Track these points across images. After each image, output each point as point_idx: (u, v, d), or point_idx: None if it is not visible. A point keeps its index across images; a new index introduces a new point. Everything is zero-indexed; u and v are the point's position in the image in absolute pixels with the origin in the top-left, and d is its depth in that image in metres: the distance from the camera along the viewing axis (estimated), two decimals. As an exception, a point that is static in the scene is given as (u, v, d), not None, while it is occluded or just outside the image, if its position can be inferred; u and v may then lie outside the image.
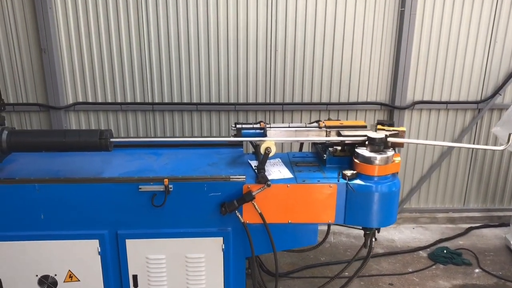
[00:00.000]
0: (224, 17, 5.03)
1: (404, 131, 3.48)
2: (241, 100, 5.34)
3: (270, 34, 5.12)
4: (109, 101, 5.26)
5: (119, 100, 5.26)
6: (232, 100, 5.33)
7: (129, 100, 5.26)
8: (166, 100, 5.28)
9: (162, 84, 5.22)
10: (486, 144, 5.68)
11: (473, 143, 5.68)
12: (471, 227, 5.76)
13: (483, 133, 5.64)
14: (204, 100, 5.31)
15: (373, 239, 3.86)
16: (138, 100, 5.27)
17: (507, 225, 5.49)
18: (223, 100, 5.32)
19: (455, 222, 5.90)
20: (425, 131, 5.57)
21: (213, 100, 5.32)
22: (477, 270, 4.89)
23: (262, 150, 3.34)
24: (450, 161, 5.74)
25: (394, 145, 3.43)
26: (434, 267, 4.95)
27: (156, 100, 5.28)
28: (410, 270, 4.89)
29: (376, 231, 3.83)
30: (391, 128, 3.55)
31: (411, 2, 5.00)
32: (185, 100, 5.29)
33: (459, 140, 5.61)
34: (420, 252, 5.24)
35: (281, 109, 5.39)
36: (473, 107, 5.51)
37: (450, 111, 5.52)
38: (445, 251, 5.14)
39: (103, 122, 5.33)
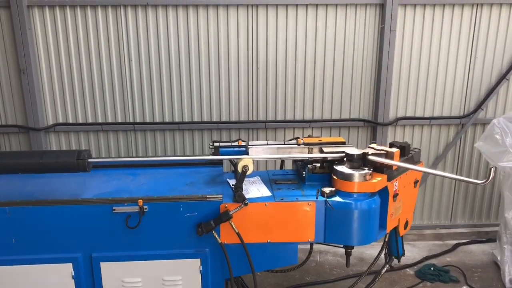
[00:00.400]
0: (205, 35, 5.03)
1: (394, 152, 3.38)
2: (224, 119, 5.30)
3: (251, 52, 5.12)
4: (90, 121, 5.20)
5: (100, 120, 5.20)
6: (214, 119, 5.29)
7: (110, 120, 5.21)
8: (147, 120, 5.23)
9: (143, 104, 5.18)
10: (471, 158, 5.67)
11: (458, 158, 5.67)
12: (458, 243, 5.70)
13: (467, 148, 5.63)
14: (186, 119, 5.26)
15: (387, 266, 3.84)
16: (119, 120, 5.22)
17: (494, 240, 5.43)
18: (205, 119, 5.29)
19: (442, 239, 5.84)
20: (409, 147, 5.54)
21: (196, 119, 5.27)
22: (464, 287, 4.82)
23: (239, 168, 3.29)
24: (436, 177, 5.71)
25: (383, 166, 3.35)
26: (421, 285, 4.87)
27: (138, 120, 5.23)
28: (397, 288, 4.81)
29: (395, 259, 3.81)
30: (379, 147, 3.50)
31: (391, 19, 5.03)
32: (167, 119, 5.25)
33: (443, 155, 5.60)
34: (407, 269, 5.17)
35: (264, 127, 5.36)
36: (456, 122, 5.51)
37: (434, 126, 5.52)
38: (432, 268, 5.07)
39: (84, 143, 5.26)
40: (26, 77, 4.94)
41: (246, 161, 3.29)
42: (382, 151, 3.40)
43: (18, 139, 5.21)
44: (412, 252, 5.56)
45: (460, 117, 5.49)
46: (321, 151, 3.46)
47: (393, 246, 3.82)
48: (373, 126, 5.45)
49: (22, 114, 5.11)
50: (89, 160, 3.28)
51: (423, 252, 5.52)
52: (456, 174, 5.72)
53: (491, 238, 5.70)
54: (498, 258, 5.05)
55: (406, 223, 3.79)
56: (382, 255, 3.92)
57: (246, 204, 3.12)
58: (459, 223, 5.93)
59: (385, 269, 3.84)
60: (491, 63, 5.36)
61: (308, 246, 3.86)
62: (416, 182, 3.77)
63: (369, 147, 3.50)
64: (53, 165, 3.22)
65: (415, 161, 3.72)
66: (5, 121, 5.16)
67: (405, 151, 3.58)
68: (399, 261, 3.91)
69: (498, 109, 5.51)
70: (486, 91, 5.44)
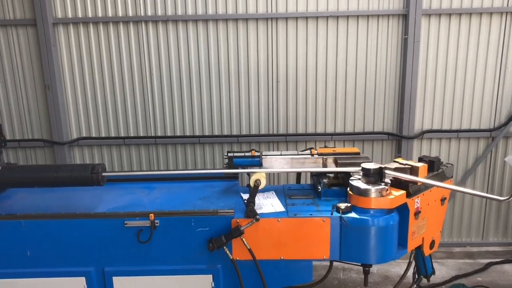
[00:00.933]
0: (225, 49, 5.03)
1: (419, 167, 3.23)
2: (244, 132, 5.27)
3: (271, 65, 5.08)
4: (112, 135, 5.28)
5: (122, 134, 5.27)
6: (234, 132, 5.27)
7: (132, 134, 5.27)
8: (168, 133, 5.26)
9: (164, 118, 5.22)
10: (503, 173, 5.41)
11: (489, 173, 5.42)
12: (490, 262, 5.41)
13: (498, 162, 5.38)
14: (206, 133, 5.26)
15: (415, 286, 3.69)
16: (141, 134, 5.27)
17: (529, 260, 5.15)
18: (225, 133, 5.27)
19: (473, 257, 5.57)
20: (436, 161, 5.34)
21: (216, 133, 5.27)
22: (496, 309, 4.57)
23: (251, 183, 3.22)
24: (465, 192, 5.48)
25: (404, 181, 3.22)
26: (449, 305, 4.65)
27: (159, 134, 5.26)
28: (423, 309, 4.60)
29: (424, 278, 3.65)
30: (404, 162, 3.37)
31: (414, 29, 4.90)
32: (187, 133, 5.26)
33: (473, 169, 5.36)
34: (435, 289, 4.94)
35: (284, 140, 5.29)
36: (486, 135, 5.28)
37: (462, 139, 5.31)
38: (461, 288, 4.83)
39: (107, 157, 5.34)
40: (51, 93, 5.06)
41: (258, 175, 3.23)
42: (406, 166, 3.26)
43: (44, 153, 5.33)
44: (441, 271, 5.32)
45: (490, 130, 5.26)
46: (336, 162, 3.36)
47: (421, 265, 3.65)
48: (398, 139, 5.29)
49: (47, 129, 5.23)
50: (103, 174, 3.29)
51: (452, 271, 5.27)
52: (487, 190, 5.48)
53: (526, 257, 5.40)
54: (533, 279, 4.77)
55: (433, 243, 3.60)
56: (410, 274, 3.74)
57: (257, 220, 3.04)
58: (492, 241, 5.65)
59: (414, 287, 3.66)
60: (523, 73, 5.13)
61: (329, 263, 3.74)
62: (443, 200, 3.58)
63: (394, 161, 3.37)
64: (67, 179, 3.26)
65: (447, 177, 3.55)
66: (32, 135, 5.29)
67: (434, 166, 3.42)
68: (428, 280, 3.74)
69: (531, 121, 5.26)
70: (518, 102, 5.21)
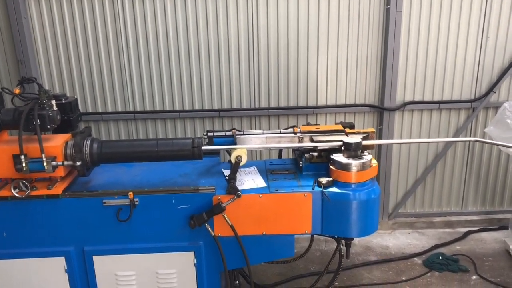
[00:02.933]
0: (204, 21, 4.88)
1: (373, 132, 3.31)
2: (225, 106, 5.18)
3: (252, 37, 4.96)
4: (90, 111, 5.14)
5: (99, 110, 5.14)
6: (216, 107, 5.18)
7: (110, 109, 5.14)
8: (148, 108, 5.14)
9: (143, 92, 5.09)
10: (483, 144, 5.45)
11: (469, 144, 5.46)
12: (469, 231, 5.53)
13: (478, 133, 5.42)
14: (187, 107, 5.16)
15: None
16: (119, 109, 5.14)
17: (506, 228, 5.26)
18: (206, 107, 5.18)
19: (453, 226, 5.67)
20: (418, 132, 5.37)
21: (196, 107, 5.17)
22: (474, 277, 4.67)
23: (232, 159, 3.18)
24: (446, 163, 5.52)
25: (366, 148, 3.26)
26: (429, 274, 4.74)
27: (138, 109, 5.14)
28: (403, 278, 4.68)
29: None
30: (361, 130, 3.39)
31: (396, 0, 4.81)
32: (167, 108, 5.15)
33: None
34: (415, 259, 5.03)
35: (266, 114, 5.22)
36: (467, 106, 5.29)
37: (443, 110, 5.31)
38: (440, 258, 4.92)
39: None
40: (25, 68, 4.88)
41: (239, 152, 3.18)
42: (364, 133, 3.29)
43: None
44: (421, 240, 5.42)
45: (471, 101, 5.27)
46: (312, 141, 3.33)
47: None
48: (379, 111, 5.27)
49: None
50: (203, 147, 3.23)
51: (432, 241, 5.37)
52: (467, 161, 5.53)
53: (504, 226, 5.50)
54: (510, 247, 4.88)
55: None
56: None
57: (238, 196, 3.02)
58: (471, 210, 5.74)
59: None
60: (503, 43, 5.10)
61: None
62: None
63: (349, 133, 3.37)
64: (169, 153, 3.18)
65: None
66: (6, 112, 5.12)
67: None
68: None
69: (511, 91, 5.28)
70: (498, 73, 5.20)
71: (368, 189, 3.10)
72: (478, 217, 5.70)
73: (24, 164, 2.91)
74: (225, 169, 3.50)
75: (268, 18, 4.90)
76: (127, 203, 3.08)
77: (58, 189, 3.05)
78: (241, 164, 3.17)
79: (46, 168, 2.92)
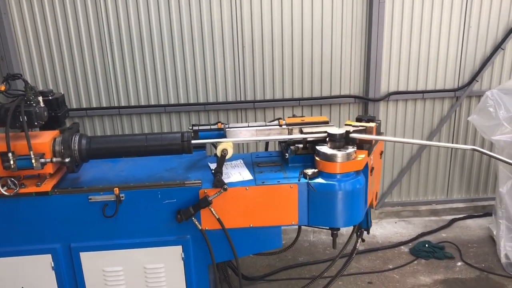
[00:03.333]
0: (187, 14, 4.86)
1: (372, 127, 3.32)
2: (211, 100, 5.17)
3: (236, 30, 4.95)
4: (74, 107, 5.09)
5: (84, 106, 5.09)
6: (201, 100, 5.17)
7: (94, 105, 5.10)
8: (132, 103, 5.11)
9: (127, 87, 5.05)
10: (467, 132, 5.53)
11: (453, 132, 5.53)
12: (454, 218, 5.61)
13: (462, 121, 5.49)
14: (172, 102, 5.14)
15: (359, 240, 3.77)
16: (104, 105, 5.10)
17: (490, 214, 5.34)
18: (192, 101, 5.16)
19: (438, 214, 5.75)
20: (403, 122, 5.42)
21: (182, 101, 5.15)
22: (459, 264, 4.75)
23: (218, 153, 3.18)
24: (431, 152, 5.59)
25: (362, 142, 3.27)
26: (415, 262, 4.81)
27: (123, 104, 5.11)
28: (390, 266, 4.74)
29: (365, 231, 3.74)
30: (358, 124, 3.41)
31: (380, -11, 4.83)
32: (152, 102, 5.13)
33: (438, 129, 5.46)
34: (402, 247, 5.10)
35: (252, 107, 5.23)
36: (450, 95, 5.35)
37: (427, 100, 5.37)
38: (427, 245, 4.99)
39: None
40: (6, 64, 4.81)
41: (225, 145, 3.18)
42: (361, 127, 3.30)
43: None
44: (407, 229, 5.49)
45: (454, 90, 5.33)
46: (301, 132, 3.35)
47: (364, 219, 3.72)
48: (364, 102, 5.30)
49: (4, 102, 5.00)
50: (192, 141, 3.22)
51: (418, 229, 5.44)
52: (452, 150, 5.60)
53: (488, 212, 5.60)
54: (494, 233, 4.97)
55: (377, 195, 3.77)
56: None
57: (225, 189, 3.02)
58: (456, 198, 5.83)
59: (359, 242, 3.74)
60: (485, 33, 5.16)
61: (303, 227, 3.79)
62: (381, 153, 3.70)
63: (346, 125, 3.39)
64: (158, 148, 3.17)
65: (381, 133, 3.73)
66: (-12, 110, 5.05)
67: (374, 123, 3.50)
68: (368, 233, 3.82)
69: (494, 80, 5.34)
70: (481, 62, 5.26)
71: (353, 179, 3.12)
72: (463, 204, 5.79)
73: (12, 162, 2.87)
74: (211, 163, 3.50)
75: (251, 10, 4.89)
76: (112, 199, 3.06)
77: (47, 186, 3.03)
78: (227, 157, 3.17)
79: (34, 165, 2.89)
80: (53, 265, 3.17)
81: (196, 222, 3.10)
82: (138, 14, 4.82)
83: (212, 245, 3.16)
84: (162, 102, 5.14)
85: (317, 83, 5.20)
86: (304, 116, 3.69)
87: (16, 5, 4.73)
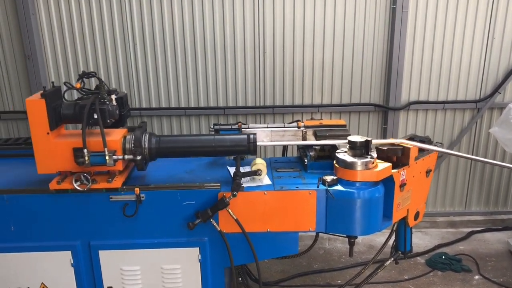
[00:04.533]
0: (210, 19, 4.91)
1: (410, 148, 3.27)
2: (230, 104, 5.21)
3: (257, 36, 4.98)
4: (96, 107, 5.16)
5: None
6: (221, 104, 5.21)
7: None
8: (153, 105, 5.18)
9: (149, 89, 5.12)
10: (487, 144, 5.48)
11: (473, 144, 5.48)
12: (472, 231, 5.54)
13: (483, 133, 5.43)
14: (192, 105, 5.19)
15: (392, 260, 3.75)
16: (125, 106, 5.17)
17: (510, 229, 5.27)
18: (212, 104, 5.20)
19: (456, 226, 5.68)
20: (422, 132, 5.38)
21: (202, 105, 5.20)
22: (476, 277, 4.69)
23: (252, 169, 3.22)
24: (450, 162, 5.53)
25: (401, 160, 3.28)
26: (431, 274, 4.76)
27: (144, 105, 5.18)
28: (406, 277, 4.70)
29: (401, 254, 3.71)
30: (398, 141, 3.37)
31: (403, -1, 4.83)
32: (173, 105, 5.18)
33: (458, 140, 5.41)
34: (418, 258, 5.05)
35: (271, 112, 5.25)
36: (471, 106, 5.30)
37: (448, 111, 5.32)
38: (443, 257, 4.94)
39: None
40: (32, 63, 4.92)
41: (260, 166, 3.20)
42: (398, 147, 3.27)
43: (26, 125, 5.21)
44: (424, 240, 5.43)
45: (476, 101, 5.28)
46: (315, 135, 3.37)
47: (401, 240, 3.70)
48: (384, 110, 5.28)
49: (29, 100, 5.10)
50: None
51: (435, 240, 5.38)
52: (472, 161, 5.53)
53: (507, 226, 5.53)
54: (513, 247, 4.90)
55: (417, 214, 3.65)
56: (390, 243, 3.80)
57: (234, 195, 3.02)
58: (474, 210, 5.76)
59: (389, 261, 3.71)
60: (509, 44, 5.11)
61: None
62: (428, 172, 3.61)
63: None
64: (225, 149, 3.23)
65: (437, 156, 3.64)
66: (13, 107, 5.17)
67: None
68: (404, 257, 3.80)
69: (517, 92, 5.29)
70: (504, 74, 5.21)
71: (372, 188, 3.11)
72: (481, 217, 5.71)
73: (86, 158, 2.94)
74: (230, 166, 3.53)
75: (274, 17, 4.93)
76: (133, 199, 3.11)
77: (117, 183, 3.09)
78: (260, 178, 3.20)
79: (107, 161, 2.96)
80: (72, 262, 3.23)
81: (215, 223, 3.12)
82: (162, 17, 4.89)
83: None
84: (183, 105, 5.19)
85: (337, 90, 5.20)
86: (321, 119, 3.70)
87: (44, 6, 4.84)
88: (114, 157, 2.98)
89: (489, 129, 5.02)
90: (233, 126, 3.54)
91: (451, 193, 5.68)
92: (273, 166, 3.58)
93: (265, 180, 3.28)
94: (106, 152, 2.94)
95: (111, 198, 3.12)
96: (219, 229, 3.14)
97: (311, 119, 3.81)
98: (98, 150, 2.97)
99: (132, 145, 3.07)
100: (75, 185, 3.01)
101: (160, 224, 3.19)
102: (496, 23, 5.02)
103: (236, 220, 3.10)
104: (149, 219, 3.17)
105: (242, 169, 3.33)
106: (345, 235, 3.37)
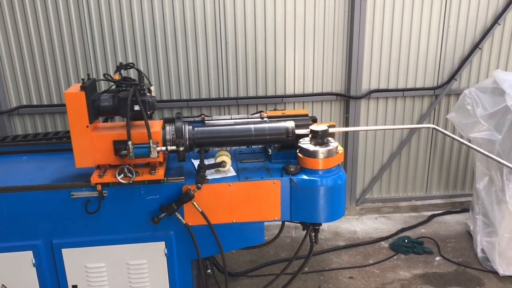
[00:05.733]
0: (170, 10, 4.84)
1: (334, 125, 3.41)
2: (194, 96, 5.17)
3: (219, 27, 4.95)
4: (55, 102, 5.03)
5: (64, 102, 5.02)
6: (184, 97, 5.16)
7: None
8: (115, 99, 5.07)
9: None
10: (445, 129, 5.57)
11: (432, 130, 5.63)
12: (433, 214, 5.73)
13: (441, 119, 5.60)
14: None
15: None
16: (86, 101, 5.05)
17: (468, 210, 5.47)
18: (174, 97, 5.15)
19: (418, 210, 5.86)
20: (383, 120, 5.50)
21: (164, 97, 5.14)
22: (437, 258, 4.86)
23: (217, 161, 3.20)
24: (410, 149, 5.68)
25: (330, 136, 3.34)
26: (395, 257, 4.90)
27: (105, 100, 5.06)
28: (371, 262, 4.82)
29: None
30: (324, 124, 3.46)
31: (361, -12, 4.90)
32: (134, 98, 5.09)
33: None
34: (382, 242, 5.18)
35: (236, 104, 5.24)
36: (430, 93, 5.45)
37: (407, 98, 5.46)
38: (406, 241, 5.09)
39: (50, 125, 5.11)
40: None
41: (224, 157, 3.20)
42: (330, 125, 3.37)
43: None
44: (387, 224, 5.58)
45: (434, 88, 5.43)
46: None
47: None
48: (346, 99, 5.37)
49: (-17, 98, 4.92)
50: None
51: (398, 225, 5.53)
52: (431, 147, 5.71)
53: (465, 208, 5.72)
54: (471, 228, 5.09)
55: None
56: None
57: (199, 188, 3.01)
58: (435, 194, 5.95)
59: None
60: (464, 32, 5.27)
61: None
62: None
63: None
64: (264, 140, 3.27)
65: None
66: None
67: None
68: None
69: (472, 79, 5.46)
70: (459, 61, 5.37)
71: (334, 175, 3.17)
72: (441, 200, 5.91)
73: (131, 150, 2.89)
74: (194, 159, 3.52)
75: (235, 6, 4.90)
76: (95, 195, 3.06)
77: (160, 174, 3.06)
78: (224, 170, 3.20)
79: (152, 153, 2.92)
80: (34, 262, 3.15)
81: (180, 217, 3.11)
82: (120, 8, 4.78)
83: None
84: (145, 98, 5.10)
85: (300, 81, 5.25)
86: (285, 110, 3.74)
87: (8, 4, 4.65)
88: (158, 148, 2.95)
89: (446, 115, 5.18)
90: (197, 119, 3.52)
91: (412, 178, 5.85)
92: (238, 157, 3.59)
93: (230, 171, 3.29)
94: (151, 144, 2.90)
95: (72, 195, 3.05)
96: (184, 222, 3.14)
97: (275, 109, 3.83)
98: (138, 142, 2.94)
99: (173, 136, 3.05)
100: (118, 178, 2.97)
101: (125, 219, 3.15)
102: (451, 11, 5.17)
103: (202, 213, 3.10)
104: (113, 215, 3.13)
105: (206, 161, 3.32)
106: (310, 223, 3.42)
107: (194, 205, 3.08)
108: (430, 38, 5.25)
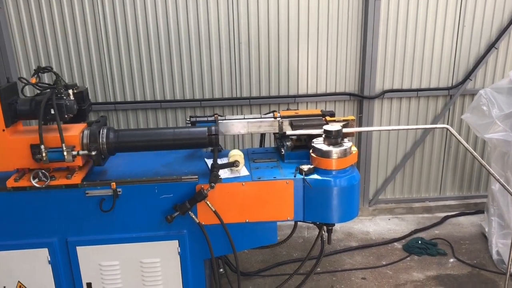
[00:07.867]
0: (184, 11, 4.86)
1: (354, 120, 3.39)
2: (207, 96, 5.19)
3: (232, 27, 4.96)
4: (70, 102, 5.08)
5: (79, 101, 5.08)
6: (197, 96, 5.18)
7: (90, 100, 5.08)
8: (128, 99, 5.12)
9: (123, 82, 5.06)
10: (460, 129, 5.58)
11: (446, 131, 5.57)
12: (447, 215, 5.67)
13: (455, 120, 5.54)
14: (168, 98, 5.15)
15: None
16: (100, 100, 5.10)
17: (482, 212, 5.40)
18: (188, 97, 5.17)
19: (431, 212, 5.81)
20: (397, 120, 5.46)
21: (178, 97, 5.16)
22: (451, 260, 4.81)
23: (230, 160, 3.21)
24: (424, 149, 5.64)
25: (346, 135, 3.34)
26: (408, 258, 4.86)
27: (118, 99, 5.11)
28: (384, 263, 4.79)
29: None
30: (341, 118, 3.47)
31: (375, -12, 4.87)
32: (148, 98, 5.13)
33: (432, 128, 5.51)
34: (395, 243, 5.15)
35: (248, 104, 5.25)
36: (444, 93, 5.40)
37: (421, 98, 5.41)
38: (419, 242, 5.05)
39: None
40: (1, 58, 4.80)
41: (237, 157, 3.21)
42: (343, 120, 3.40)
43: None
44: (401, 226, 5.54)
45: (448, 88, 5.38)
46: (291, 125, 3.41)
47: None
48: (359, 99, 5.34)
49: (-1, 97, 4.98)
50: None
51: (411, 226, 5.49)
52: (445, 148, 5.66)
53: (480, 210, 5.66)
54: (486, 230, 5.03)
55: None
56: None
57: (212, 187, 3.02)
58: (448, 195, 5.89)
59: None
60: (479, 32, 5.21)
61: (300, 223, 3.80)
62: None
63: (330, 120, 3.46)
64: (185, 142, 3.21)
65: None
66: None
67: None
68: None
69: (487, 79, 5.40)
70: (474, 61, 5.31)
71: (348, 176, 3.16)
72: (455, 202, 5.85)
73: (44, 154, 2.89)
74: (207, 158, 3.53)
75: (248, 7, 4.91)
76: (110, 193, 3.08)
77: (77, 179, 3.05)
78: (237, 169, 3.21)
79: (66, 157, 2.91)
80: (49, 259, 3.19)
81: (193, 216, 3.12)
82: (135, 9, 4.82)
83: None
84: (158, 98, 5.14)
85: (313, 81, 5.23)
86: (297, 110, 3.74)
87: (12, 0, 4.71)
88: (73, 152, 2.93)
89: (461, 116, 5.12)
90: (210, 118, 3.54)
91: (426, 179, 5.80)
92: (251, 157, 3.59)
93: (243, 171, 3.29)
94: (64, 148, 2.90)
95: (87, 193, 3.08)
96: (197, 221, 3.15)
97: (288, 109, 3.83)
98: (56, 146, 2.92)
99: (88, 140, 3.03)
100: (33, 182, 2.96)
101: (138, 218, 3.17)
102: (466, 11, 5.11)
103: (215, 212, 3.11)
104: (127, 214, 3.15)
105: (219, 161, 3.33)
106: (323, 223, 3.41)
107: (208, 204, 3.09)
108: (445, 38, 5.20)
